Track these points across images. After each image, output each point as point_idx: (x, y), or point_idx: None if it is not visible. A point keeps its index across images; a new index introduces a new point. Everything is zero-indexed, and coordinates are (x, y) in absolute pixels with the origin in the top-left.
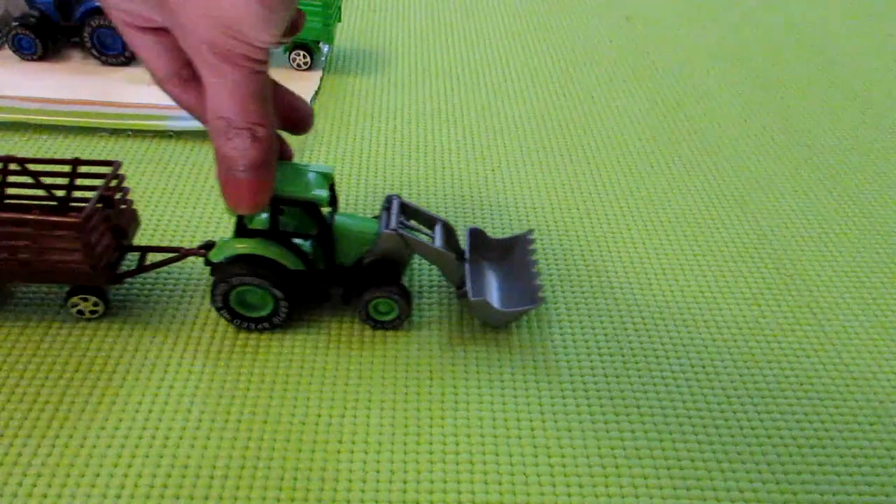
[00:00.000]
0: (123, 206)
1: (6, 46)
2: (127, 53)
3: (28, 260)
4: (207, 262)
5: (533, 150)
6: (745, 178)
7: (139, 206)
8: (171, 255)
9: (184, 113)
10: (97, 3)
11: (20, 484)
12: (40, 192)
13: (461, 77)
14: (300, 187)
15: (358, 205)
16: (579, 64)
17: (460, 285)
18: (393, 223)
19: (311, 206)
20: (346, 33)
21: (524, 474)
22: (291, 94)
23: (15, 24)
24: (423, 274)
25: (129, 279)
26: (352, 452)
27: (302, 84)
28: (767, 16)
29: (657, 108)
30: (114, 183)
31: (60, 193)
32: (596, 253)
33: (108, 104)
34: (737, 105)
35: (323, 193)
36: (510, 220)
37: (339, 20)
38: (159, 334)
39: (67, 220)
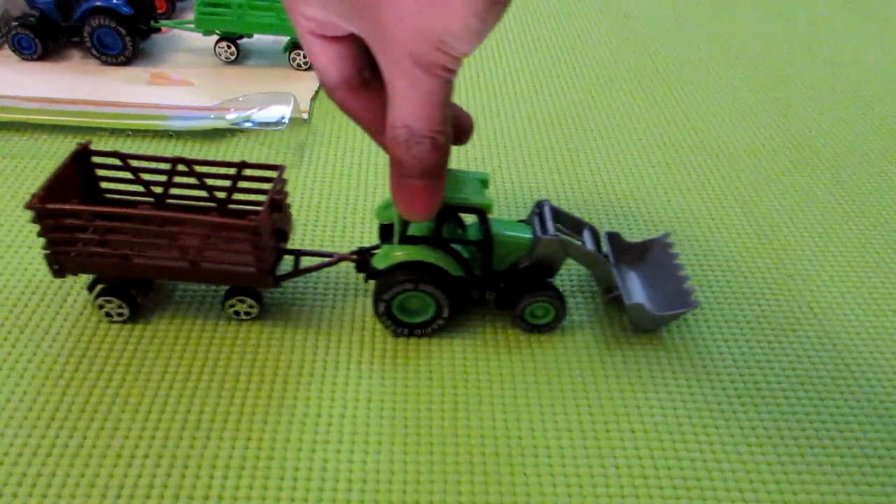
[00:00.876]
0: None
1: (6, 46)
2: (127, 53)
3: (196, 260)
4: (360, 269)
5: (533, 150)
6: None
7: None
8: (323, 259)
9: (184, 113)
10: (97, 3)
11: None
12: (196, 193)
13: (461, 76)
14: (468, 193)
15: (358, 205)
16: (580, 64)
17: (609, 289)
18: (551, 229)
19: (480, 213)
20: None
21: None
22: (454, 104)
23: (15, 23)
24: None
25: (284, 282)
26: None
27: (302, 84)
28: (768, 15)
29: (658, 108)
30: (278, 186)
31: (220, 195)
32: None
33: (108, 104)
34: (737, 105)
35: (490, 200)
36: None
37: None
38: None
39: (244, 222)
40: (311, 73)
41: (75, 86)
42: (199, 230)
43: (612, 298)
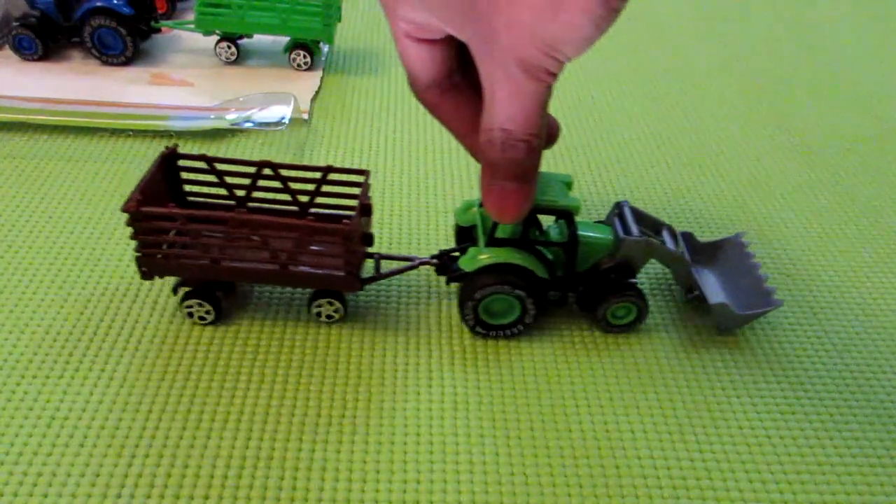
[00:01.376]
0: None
1: (7, 46)
2: (127, 53)
3: (287, 264)
4: (441, 271)
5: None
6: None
7: None
8: (404, 262)
9: (184, 113)
10: (98, 3)
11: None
12: (276, 196)
13: None
14: (556, 196)
15: None
16: (580, 62)
17: (691, 289)
18: (636, 230)
19: (567, 215)
20: (346, 33)
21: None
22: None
23: (15, 24)
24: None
25: (367, 286)
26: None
27: (302, 84)
28: (768, 14)
29: (656, 107)
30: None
31: (302, 198)
32: None
33: (108, 104)
34: (737, 105)
35: (578, 202)
36: None
37: (339, 20)
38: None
39: (339, 226)
40: (311, 73)
41: (75, 86)
42: (293, 234)
43: (692, 298)
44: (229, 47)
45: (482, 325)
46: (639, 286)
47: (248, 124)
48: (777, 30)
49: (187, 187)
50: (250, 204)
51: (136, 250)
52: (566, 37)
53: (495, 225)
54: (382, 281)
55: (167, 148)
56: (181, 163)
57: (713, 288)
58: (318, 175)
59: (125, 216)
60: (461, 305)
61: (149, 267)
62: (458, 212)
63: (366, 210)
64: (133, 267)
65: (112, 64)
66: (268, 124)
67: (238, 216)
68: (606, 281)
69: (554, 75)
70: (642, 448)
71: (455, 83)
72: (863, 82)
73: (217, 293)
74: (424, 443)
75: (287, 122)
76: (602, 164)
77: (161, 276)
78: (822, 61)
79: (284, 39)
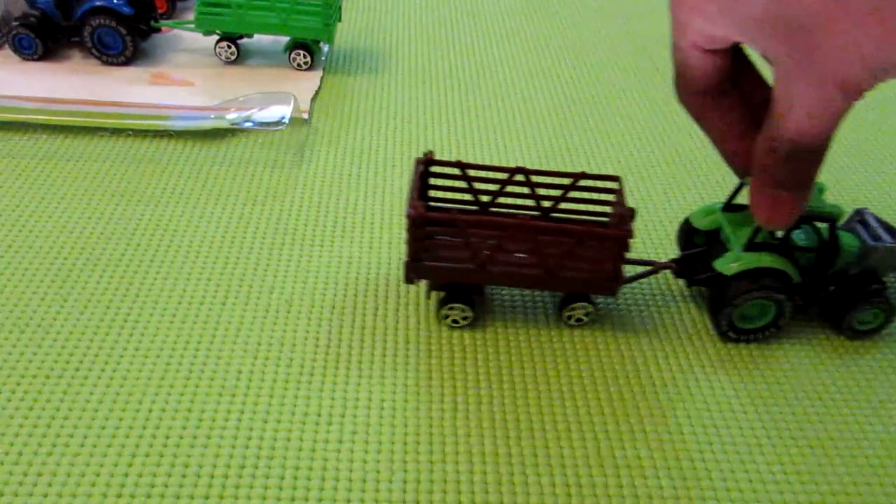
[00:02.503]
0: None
1: (6, 46)
2: (127, 53)
3: (554, 268)
4: (680, 275)
5: (534, 149)
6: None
7: (139, 208)
8: (647, 267)
9: (184, 113)
10: (98, 3)
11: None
12: (519, 202)
13: (461, 76)
14: (816, 201)
15: (358, 204)
16: (580, 63)
17: None
18: (888, 238)
19: (830, 220)
20: (346, 33)
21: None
22: None
23: (15, 23)
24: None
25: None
26: None
27: (302, 84)
28: None
29: (655, 106)
30: (611, 197)
31: (546, 203)
32: None
33: (108, 104)
34: None
35: (841, 208)
36: None
37: (339, 20)
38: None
39: (615, 232)
40: (311, 73)
41: (75, 86)
42: (567, 239)
43: None
44: (229, 47)
45: (734, 330)
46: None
47: (248, 124)
48: None
49: (433, 192)
50: (492, 209)
51: (408, 255)
52: None
53: (757, 229)
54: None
55: (425, 154)
56: (433, 168)
57: None
58: (565, 181)
59: (125, 216)
60: (715, 310)
61: (416, 272)
62: (698, 215)
63: (630, 216)
64: (114, 264)
65: (112, 64)
66: (268, 124)
67: (522, 222)
68: (854, 287)
69: (864, 95)
70: None
71: (725, 90)
72: None
73: (472, 296)
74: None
75: (287, 121)
76: (604, 163)
77: (423, 280)
78: None
79: (284, 39)
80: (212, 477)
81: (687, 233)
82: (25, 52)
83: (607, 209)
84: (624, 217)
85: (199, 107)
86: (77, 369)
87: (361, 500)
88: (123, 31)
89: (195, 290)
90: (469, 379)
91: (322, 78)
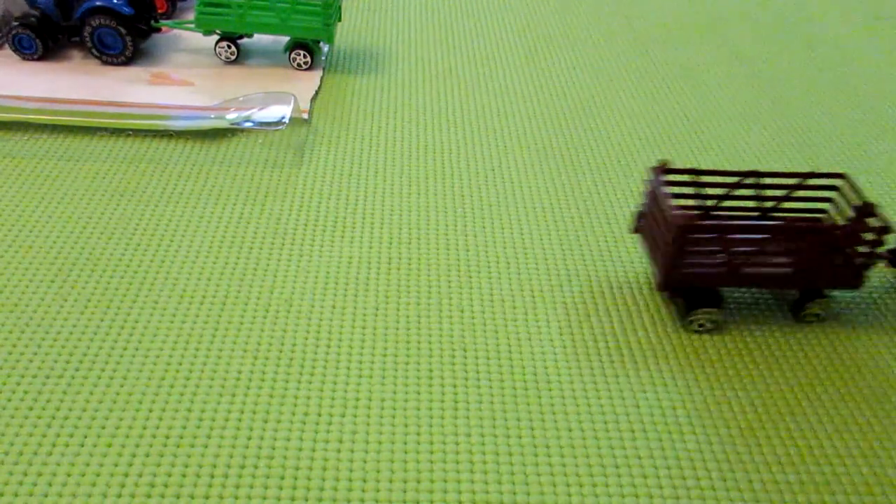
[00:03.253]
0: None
1: (6, 46)
2: (127, 53)
3: (804, 267)
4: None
5: (534, 150)
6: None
7: (139, 208)
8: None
9: (184, 113)
10: (98, 3)
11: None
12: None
13: (462, 77)
14: None
15: (358, 204)
16: (580, 63)
17: None
18: None
19: None
20: (346, 33)
21: None
22: None
23: (15, 23)
24: None
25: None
26: None
27: (302, 84)
28: (764, 12)
29: (657, 108)
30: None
31: (767, 204)
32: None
33: (108, 104)
34: (736, 104)
35: None
36: (515, 219)
37: (339, 20)
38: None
39: (876, 226)
40: (311, 73)
41: (75, 86)
42: (827, 238)
43: None
44: (229, 47)
45: None
46: None
47: (248, 124)
48: (772, 26)
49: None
50: (713, 212)
51: (664, 264)
52: None
53: None
54: None
55: (661, 162)
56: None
57: None
58: (791, 181)
59: (125, 216)
60: None
61: (675, 280)
62: None
63: (872, 210)
64: (114, 264)
65: (112, 64)
66: (268, 124)
67: (788, 225)
68: None
69: None
70: None
71: None
72: (860, 78)
73: (718, 299)
74: None
75: (287, 121)
76: (603, 166)
77: (675, 286)
78: (816, 57)
79: (284, 39)
80: (212, 477)
81: None
82: (25, 52)
83: (825, 206)
84: (867, 211)
85: (198, 107)
86: (77, 369)
87: (361, 500)
88: (123, 31)
89: (195, 290)
90: (457, 375)
91: (322, 78)
